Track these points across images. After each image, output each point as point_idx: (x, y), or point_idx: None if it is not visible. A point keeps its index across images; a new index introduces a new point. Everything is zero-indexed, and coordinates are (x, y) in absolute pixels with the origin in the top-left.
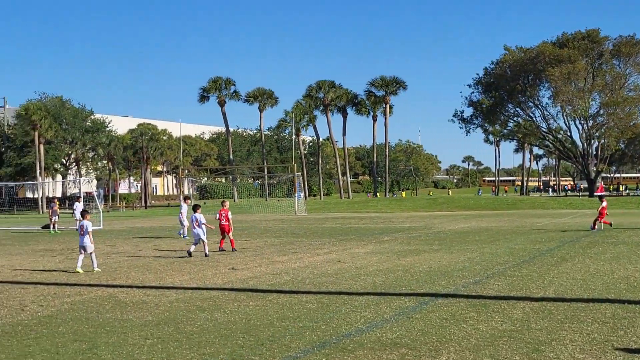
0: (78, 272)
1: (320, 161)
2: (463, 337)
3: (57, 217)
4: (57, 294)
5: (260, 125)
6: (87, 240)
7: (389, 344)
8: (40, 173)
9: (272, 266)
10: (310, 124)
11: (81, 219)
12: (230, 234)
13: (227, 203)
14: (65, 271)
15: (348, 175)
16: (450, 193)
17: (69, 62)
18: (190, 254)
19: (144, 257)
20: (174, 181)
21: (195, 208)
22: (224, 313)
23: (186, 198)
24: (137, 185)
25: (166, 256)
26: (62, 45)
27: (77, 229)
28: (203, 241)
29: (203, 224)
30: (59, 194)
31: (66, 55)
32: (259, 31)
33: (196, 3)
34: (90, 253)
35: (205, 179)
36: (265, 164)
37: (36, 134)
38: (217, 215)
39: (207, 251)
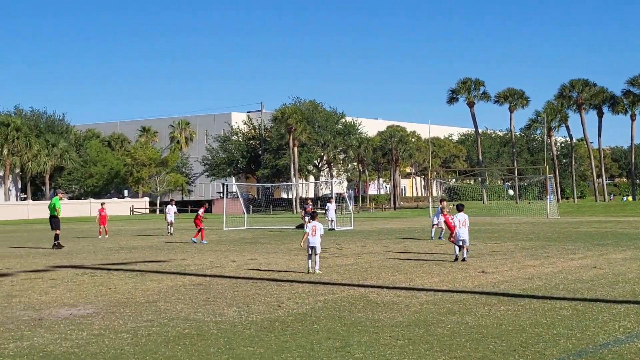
0: (314, 272)
1: (573, 162)
2: None
3: (306, 218)
4: (311, 292)
5: (510, 126)
6: (317, 241)
7: None
8: (294, 174)
9: (524, 270)
10: (563, 124)
11: (310, 220)
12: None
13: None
14: (298, 273)
15: (604, 177)
16: None
17: (321, 67)
18: (457, 259)
19: (393, 258)
20: (423, 183)
21: (459, 208)
22: (475, 317)
23: (442, 200)
24: (386, 187)
25: (416, 258)
26: (316, 51)
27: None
28: (465, 242)
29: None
30: (311, 195)
31: (319, 61)
32: (507, 31)
33: (448, 4)
34: (317, 254)
35: (454, 180)
36: (515, 165)
37: (291, 136)
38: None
39: (465, 256)
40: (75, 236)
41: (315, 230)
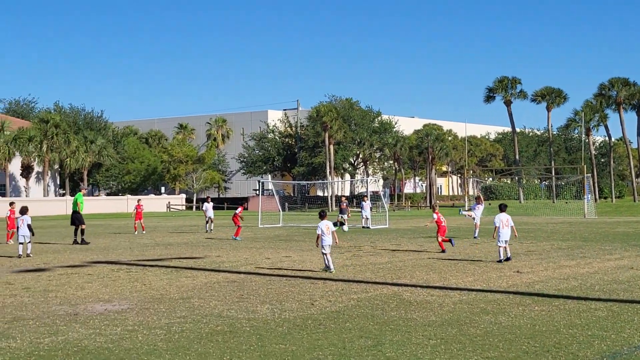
0: (332, 271)
1: (612, 162)
2: None
3: (346, 214)
4: (344, 290)
5: (547, 125)
6: (330, 240)
7: None
8: (330, 172)
9: (559, 270)
10: (601, 124)
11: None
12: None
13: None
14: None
15: None
16: None
17: (358, 66)
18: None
19: (428, 257)
20: (459, 181)
21: (502, 208)
22: (509, 317)
23: (477, 198)
24: (422, 185)
25: (450, 257)
26: (353, 50)
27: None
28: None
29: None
30: (347, 193)
31: (356, 59)
32: (545, 29)
33: (486, 3)
34: (329, 252)
35: (490, 179)
36: (553, 164)
37: (327, 134)
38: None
39: (509, 254)
40: (112, 232)
41: (328, 229)
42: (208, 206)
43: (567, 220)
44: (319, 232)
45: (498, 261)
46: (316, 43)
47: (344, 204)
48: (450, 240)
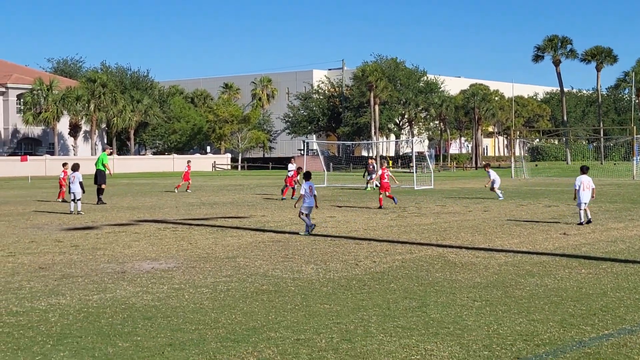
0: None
1: None
2: None
3: (374, 175)
4: (389, 251)
5: (597, 85)
6: (313, 202)
7: None
8: (374, 133)
9: (607, 233)
10: None
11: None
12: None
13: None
14: (377, 231)
15: None
16: None
17: (404, 25)
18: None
19: (473, 218)
20: (505, 142)
21: (583, 169)
22: (555, 279)
23: (486, 166)
24: (467, 146)
25: (496, 218)
26: (398, 8)
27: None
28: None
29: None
30: (392, 154)
31: (401, 18)
32: None
33: None
34: (309, 214)
35: (537, 140)
36: (601, 125)
37: (372, 94)
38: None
39: (590, 217)
40: (158, 191)
41: (311, 191)
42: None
43: (615, 182)
44: (302, 192)
45: (579, 223)
46: (363, 2)
47: (371, 166)
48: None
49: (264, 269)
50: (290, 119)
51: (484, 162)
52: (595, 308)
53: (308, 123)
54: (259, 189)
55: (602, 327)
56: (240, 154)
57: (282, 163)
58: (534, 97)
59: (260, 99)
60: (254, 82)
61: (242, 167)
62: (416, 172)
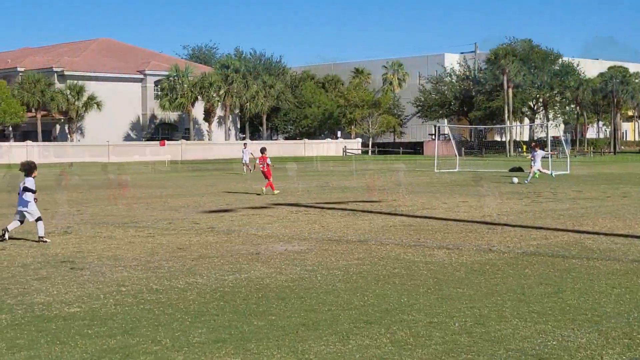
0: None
1: None
2: None
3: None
4: (524, 236)
5: None
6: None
7: None
8: (508, 117)
9: None
10: None
11: None
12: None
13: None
14: (510, 216)
15: None
16: None
17: (539, 7)
18: None
19: (611, 204)
20: None
21: None
22: None
23: (535, 146)
24: (605, 130)
25: (636, 204)
26: None
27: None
28: None
29: None
30: (525, 138)
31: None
32: None
33: None
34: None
35: None
36: None
37: (505, 78)
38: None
39: None
40: (290, 176)
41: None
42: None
43: None
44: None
45: None
46: None
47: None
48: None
49: (395, 252)
50: (421, 103)
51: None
52: None
53: (439, 107)
54: (389, 173)
55: None
56: (370, 139)
57: (412, 148)
58: None
59: (391, 83)
60: (384, 67)
61: (373, 152)
62: (551, 157)
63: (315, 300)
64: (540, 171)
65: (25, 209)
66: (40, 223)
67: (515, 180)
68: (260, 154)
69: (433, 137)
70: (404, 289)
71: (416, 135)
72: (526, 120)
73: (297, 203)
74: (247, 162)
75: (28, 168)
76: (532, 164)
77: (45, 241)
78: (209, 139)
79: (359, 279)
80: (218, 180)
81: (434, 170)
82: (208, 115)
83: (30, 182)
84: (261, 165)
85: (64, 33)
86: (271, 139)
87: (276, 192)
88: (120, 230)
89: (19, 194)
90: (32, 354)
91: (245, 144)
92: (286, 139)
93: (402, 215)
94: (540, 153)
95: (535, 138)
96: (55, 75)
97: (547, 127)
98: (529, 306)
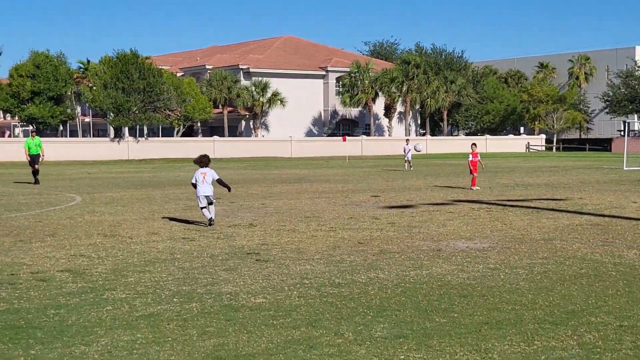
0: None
1: None
2: None
3: None
4: None
5: None
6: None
7: None
8: None
9: None
10: None
11: None
12: None
13: None
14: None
15: None
16: None
17: None
18: None
19: None
20: None
21: None
22: None
23: None
24: None
25: None
26: None
27: None
28: None
29: None
30: None
31: None
32: None
33: None
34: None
35: None
36: None
37: None
38: None
39: None
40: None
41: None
42: None
43: None
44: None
45: None
46: None
47: None
48: None
49: (582, 252)
50: (609, 98)
51: None
52: None
53: (629, 102)
54: (575, 171)
55: None
56: (555, 135)
57: (600, 144)
58: None
59: (577, 78)
60: (570, 60)
61: (557, 149)
62: None
63: (498, 298)
64: None
65: (211, 194)
66: (213, 207)
67: None
68: (471, 150)
69: (622, 133)
70: (591, 290)
71: (604, 131)
72: None
73: (478, 200)
74: (410, 158)
75: (206, 161)
76: None
77: (212, 223)
78: (389, 135)
79: (543, 278)
80: (394, 175)
81: (623, 167)
82: (388, 111)
83: (215, 173)
84: (473, 161)
85: (250, 31)
86: (452, 135)
87: (476, 188)
88: (303, 224)
89: (192, 184)
90: (221, 341)
91: (407, 139)
92: (467, 134)
93: (589, 214)
94: None
95: None
96: (241, 72)
97: None
98: None
